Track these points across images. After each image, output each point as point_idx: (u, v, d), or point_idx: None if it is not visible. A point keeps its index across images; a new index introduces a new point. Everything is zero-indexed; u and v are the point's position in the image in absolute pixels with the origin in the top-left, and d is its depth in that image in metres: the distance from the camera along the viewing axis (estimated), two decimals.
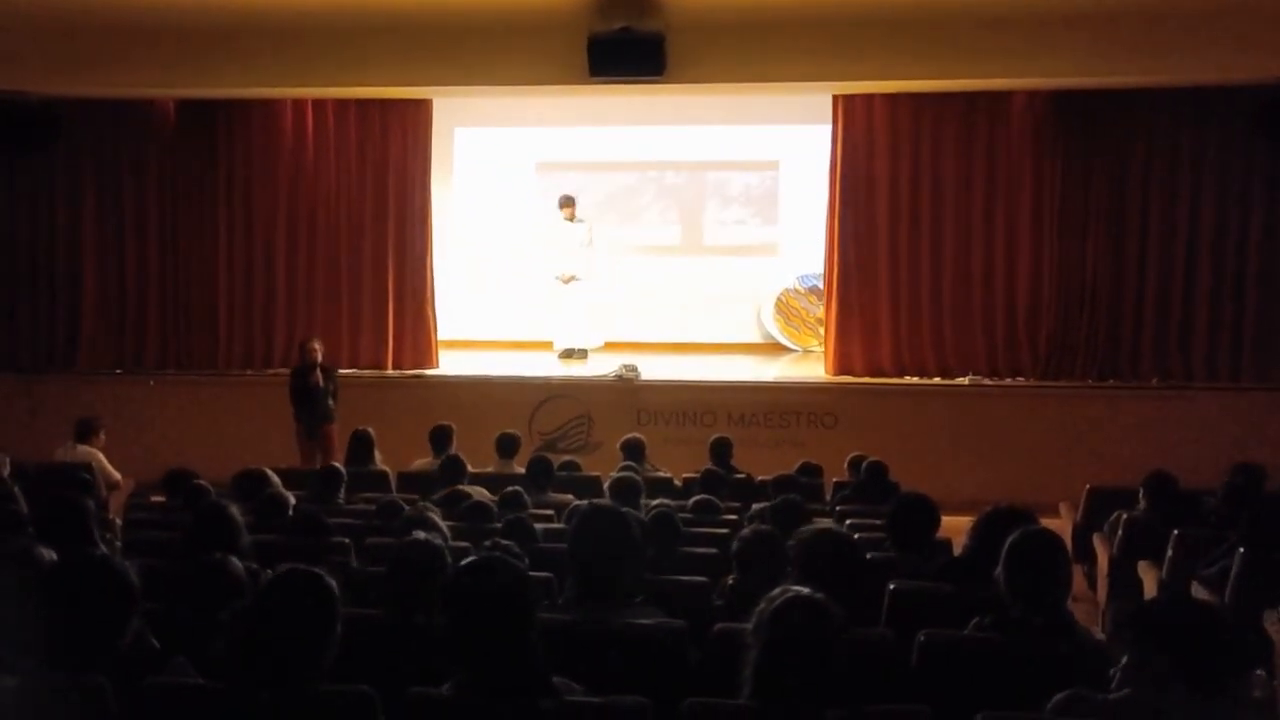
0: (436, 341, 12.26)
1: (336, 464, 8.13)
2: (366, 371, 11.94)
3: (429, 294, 12.21)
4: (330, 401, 10.41)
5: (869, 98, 11.63)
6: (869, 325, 11.79)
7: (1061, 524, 8.19)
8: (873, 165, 11.70)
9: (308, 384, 10.35)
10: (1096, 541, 7.38)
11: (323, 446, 10.30)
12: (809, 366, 12.31)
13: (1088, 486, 8.23)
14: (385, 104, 12.00)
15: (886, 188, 11.70)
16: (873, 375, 11.70)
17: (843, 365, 11.80)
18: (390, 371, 12.02)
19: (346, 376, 11.20)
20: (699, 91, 11.29)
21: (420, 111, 12.05)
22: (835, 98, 11.68)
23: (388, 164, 12.15)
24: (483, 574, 3.13)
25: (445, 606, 3.11)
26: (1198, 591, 5.73)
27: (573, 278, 12.33)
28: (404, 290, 12.18)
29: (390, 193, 12.15)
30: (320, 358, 10.50)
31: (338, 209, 12.23)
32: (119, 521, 6.90)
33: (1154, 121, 11.29)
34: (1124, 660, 3.05)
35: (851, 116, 11.71)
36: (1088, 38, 9.92)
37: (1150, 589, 6.30)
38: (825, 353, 12.00)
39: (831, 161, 11.78)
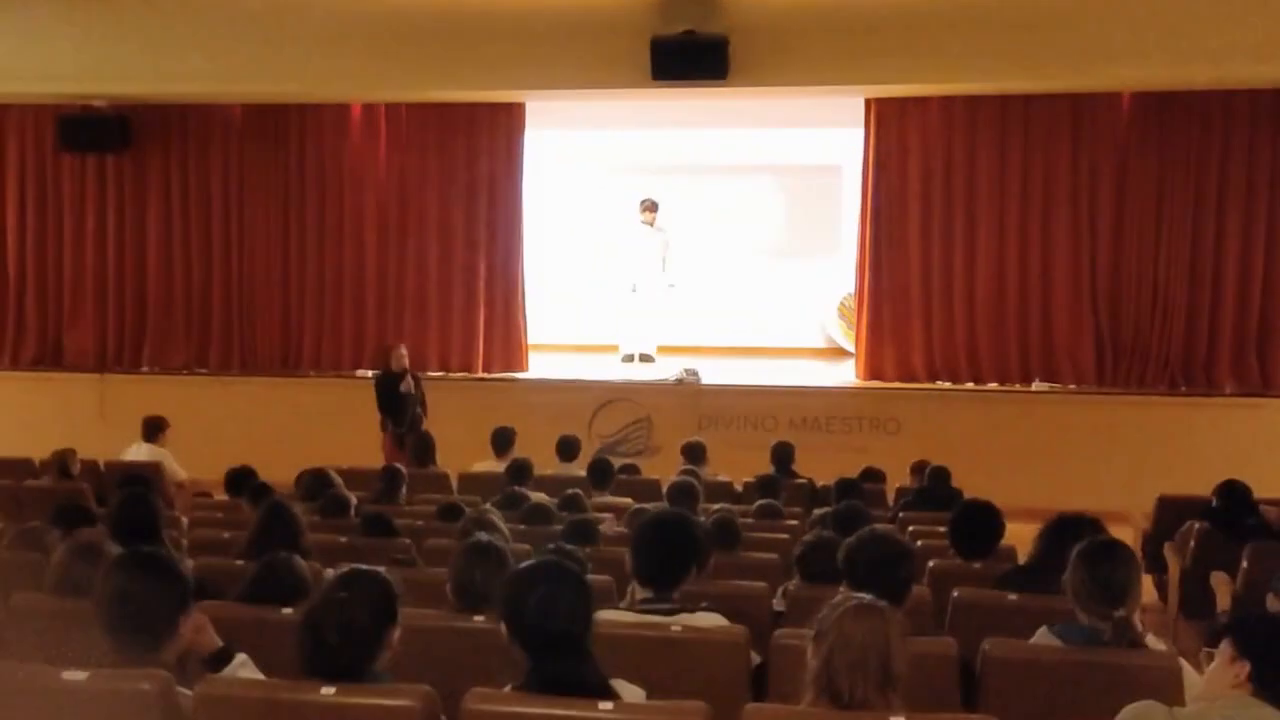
0: (527, 345, 12.28)
1: (398, 465, 8.17)
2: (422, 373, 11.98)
3: (520, 298, 12.25)
4: (419, 409, 10.37)
5: (902, 101, 11.52)
6: (900, 329, 11.70)
7: (1131, 533, 8.05)
8: (906, 169, 11.60)
9: (398, 391, 10.33)
10: (1167, 551, 7.23)
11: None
12: None
13: (1158, 495, 8.06)
14: (475, 107, 12.02)
15: (919, 191, 11.58)
16: (904, 380, 11.60)
17: (874, 370, 11.72)
18: (450, 374, 12.05)
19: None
20: (762, 95, 11.25)
21: (513, 115, 12.06)
22: (868, 102, 11.60)
23: (480, 167, 12.16)
24: (540, 575, 3.12)
25: (504, 606, 3.10)
26: (1273, 605, 5.59)
27: (656, 284, 12.30)
28: (494, 293, 12.20)
29: (482, 196, 12.16)
30: (408, 363, 10.52)
31: (428, 212, 12.25)
32: (185, 520, 6.98)
33: (1230, 122, 11.04)
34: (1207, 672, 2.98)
35: (884, 121, 11.63)
36: (1160, 41, 9.77)
37: (1223, 601, 6.15)
38: (856, 357, 11.92)
39: (864, 165, 11.71)
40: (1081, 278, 11.39)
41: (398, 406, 10.28)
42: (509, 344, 12.22)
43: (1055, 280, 11.43)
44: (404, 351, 10.59)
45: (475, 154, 12.16)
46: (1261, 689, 2.88)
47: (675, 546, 3.99)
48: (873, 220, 11.68)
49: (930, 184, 11.58)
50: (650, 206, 12.37)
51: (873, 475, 8.55)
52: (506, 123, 12.09)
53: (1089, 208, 11.34)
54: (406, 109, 12.19)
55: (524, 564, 3.29)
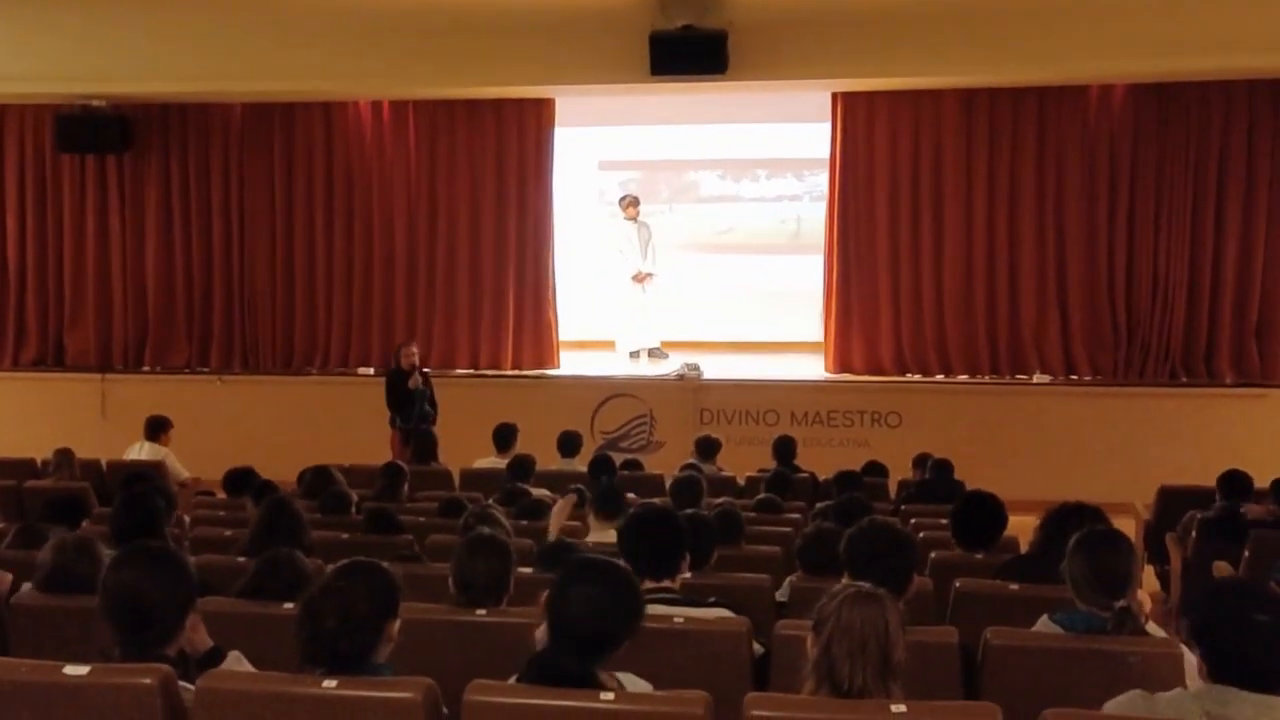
0: (558, 342, 12.23)
1: (399, 462, 8.18)
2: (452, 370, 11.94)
3: (550, 295, 12.18)
4: (428, 406, 10.33)
5: (870, 94, 11.51)
6: (868, 322, 11.69)
7: (1133, 524, 8.05)
8: (872, 162, 11.60)
9: (406, 388, 10.30)
10: (1169, 542, 7.24)
11: None
12: None
13: (1159, 486, 8.06)
14: (502, 103, 11.93)
15: (886, 184, 11.56)
16: (872, 373, 11.60)
17: (842, 363, 11.72)
18: (455, 371, 12.02)
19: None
20: (761, 89, 11.24)
21: (543, 110, 11.99)
22: (835, 95, 11.59)
23: (509, 163, 12.07)
24: (594, 573, 3.14)
25: (552, 591, 3.10)
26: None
27: (647, 276, 12.29)
28: (524, 291, 12.13)
29: (511, 192, 12.08)
30: (417, 361, 10.51)
31: (455, 207, 12.15)
32: (187, 519, 6.99)
33: (1229, 112, 11.03)
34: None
35: (851, 113, 11.63)
36: (1141, 33, 9.82)
37: None
38: (825, 350, 11.90)
39: (831, 158, 11.71)
40: (1048, 270, 11.37)
41: (406, 403, 10.27)
42: (539, 340, 12.16)
43: (1022, 273, 11.40)
44: (414, 349, 10.56)
45: (505, 149, 12.06)
46: (1220, 678, 2.80)
47: (659, 539, 4.04)
48: (840, 213, 11.68)
49: (898, 176, 11.56)
50: (632, 202, 12.34)
51: (875, 469, 8.54)
52: (536, 117, 12.00)
53: (1055, 201, 11.31)
54: (420, 105, 12.10)
55: (586, 556, 3.31)
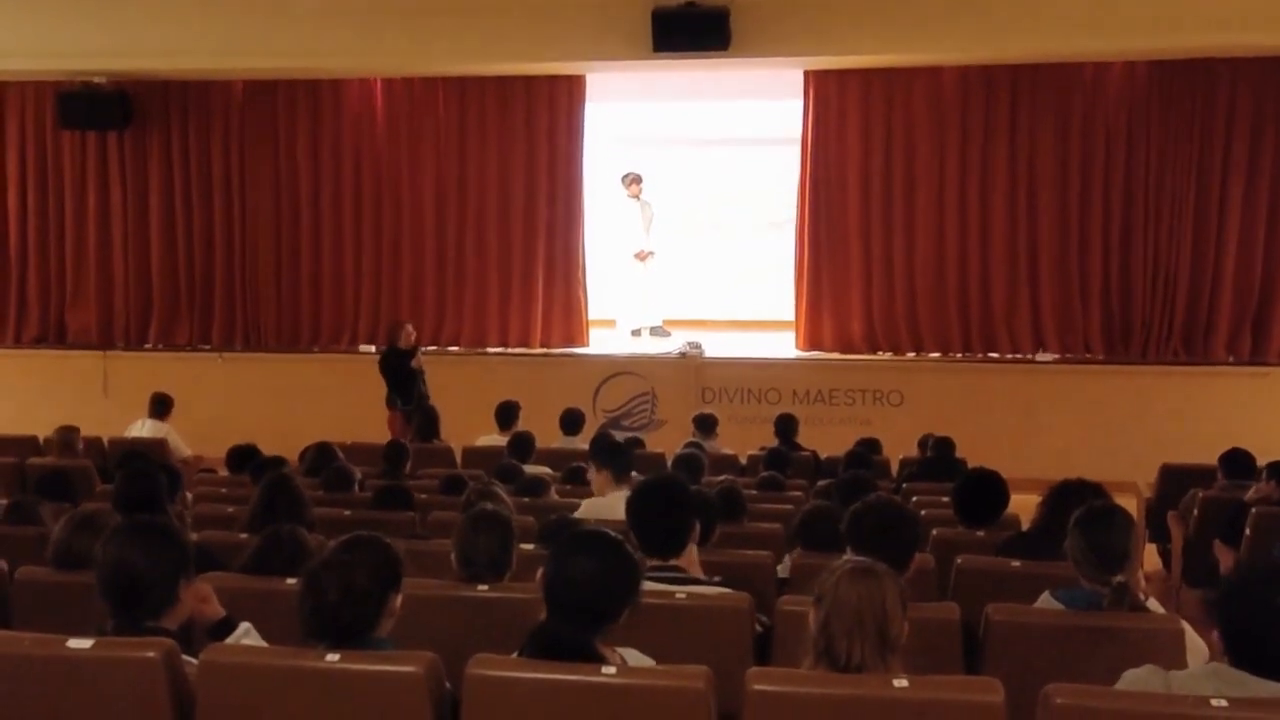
0: (587, 320, 12.18)
1: (402, 440, 8.19)
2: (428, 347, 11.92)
3: (580, 273, 12.09)
4: (423, 385, 10.33)
5: (841, 73, 11.45)
6: (840, 300, 11.67)
7: (1135, 502, 8.06)
8: (845, 141, 11.56)
9: (408, 368, 10.26)
10: (1171, 520, 7.24)
11: None
12: None
13: (1161, 464, 8.06)
14: (532, 80, 11.85)
15: (858, 162, 11.52)
16: (843, 351, 11.58)
17: (813, 340, 11.70)
18: (452, 348, 12.00)
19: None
20: (764, 66, 11.19)
21: (573, 87, 11.91)
22: (806, 74, 11.53)
23: (539, 140, 12.00)
24: (591, 545, 3.13)
25: (549, 563, 3.10)
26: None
27: (649, 254, 12.27)
28: (554, 269, 12.06)
29: (541, 169, 12.01)
30: (415, 340, 10.48)
31: (485, 186, 12.08)
32: (189, 495, 6.99)
33: (1233, 91, 10.97)
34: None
35: (823, 93, 11.58)
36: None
37: (1226, 569, 6.16)
38: (796, 328, 11.85)
39: (802, 137, 11.65)
40: (1019, 249, 11.34)
41: (406, 383, 10.26)
42: (569, 319, 12.09)
43: (993, 250, 11.37)
44: (411, 329, 10.56)
45: (535, 127, 11.97)
46: (1238, 662, 2.78)
47: (668, 508, 4.02)
48: (811, 191, 11.64)
49: (870, 155, 11.51)
50: (635, 179, 12.30)
51: (869, 444, 8.51)
52: (567, 94, 11.92)
53: (1028, 180, 11.27)
54: (449, 81, 12.03)
55: (584, 530, 3.35)
